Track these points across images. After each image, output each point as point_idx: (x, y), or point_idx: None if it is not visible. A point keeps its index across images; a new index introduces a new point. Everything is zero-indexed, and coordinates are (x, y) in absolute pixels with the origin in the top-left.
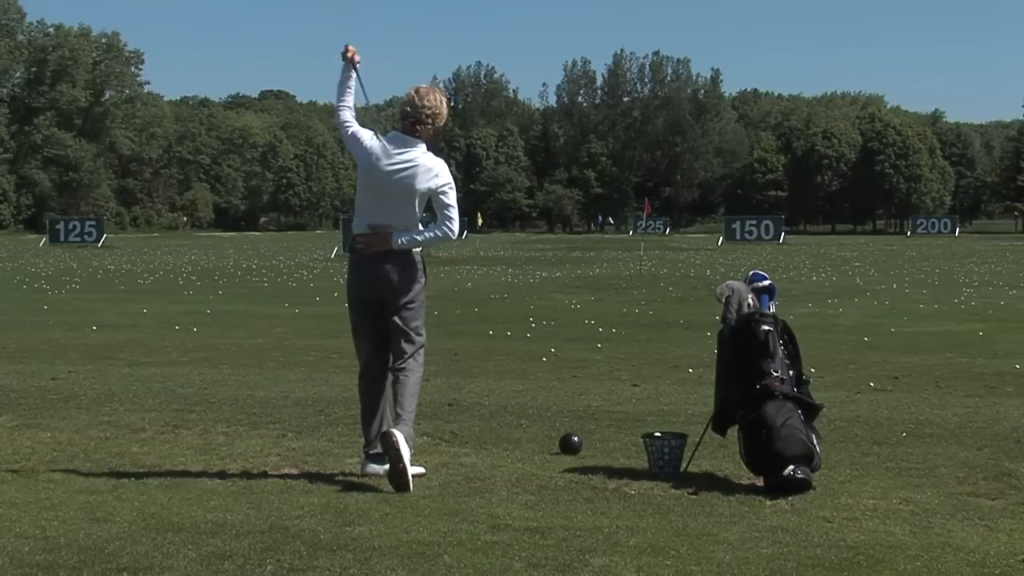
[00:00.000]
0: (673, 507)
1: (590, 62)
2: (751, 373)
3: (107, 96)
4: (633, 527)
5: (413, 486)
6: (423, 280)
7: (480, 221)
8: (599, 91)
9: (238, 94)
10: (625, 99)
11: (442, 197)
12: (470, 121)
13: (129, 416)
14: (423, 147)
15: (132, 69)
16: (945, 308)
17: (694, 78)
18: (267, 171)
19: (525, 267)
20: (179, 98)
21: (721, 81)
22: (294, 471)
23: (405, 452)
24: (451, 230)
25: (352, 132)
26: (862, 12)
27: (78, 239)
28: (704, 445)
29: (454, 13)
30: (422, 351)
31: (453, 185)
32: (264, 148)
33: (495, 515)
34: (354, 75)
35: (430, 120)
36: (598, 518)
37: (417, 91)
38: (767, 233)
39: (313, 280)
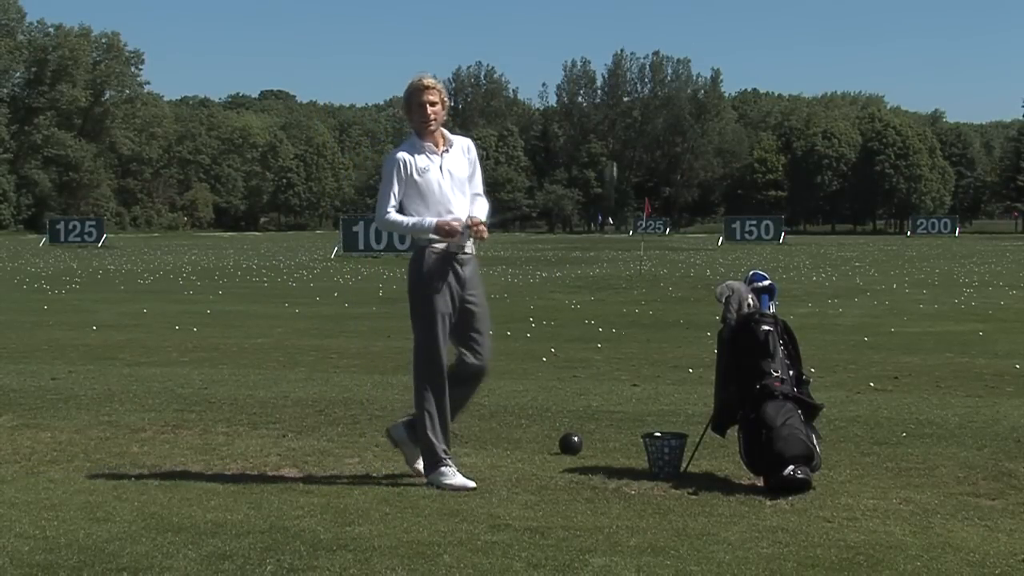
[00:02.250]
0: (673, 507)
1: (590, 62)
2: (751, 373)
3: (107, 96)
4: (633, 527)
5: (414, 487)
6: (416, 279)
7: None
8: (599, 91)
9: (238, 94)
10: (625, 99)
11: None
12: (470, 121)
13: (129, 416)
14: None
15: (132, 69)
16: (945, 308)
17: (694, 78)
18: (267, 171)
19: (525, 267)
20: (179, 98)
21: (721, 81)
22: (294, 471)
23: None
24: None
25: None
26: (862, 12)
27: (78, 239)
28: (704, 445)
29: (454, 13)
30: (422, 358)
31: (382, 173)
32: (264, 148)
33: (495, 515)
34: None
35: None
36: (598, 518)
37: None
38: (767, 233)
39: (313, 280)
